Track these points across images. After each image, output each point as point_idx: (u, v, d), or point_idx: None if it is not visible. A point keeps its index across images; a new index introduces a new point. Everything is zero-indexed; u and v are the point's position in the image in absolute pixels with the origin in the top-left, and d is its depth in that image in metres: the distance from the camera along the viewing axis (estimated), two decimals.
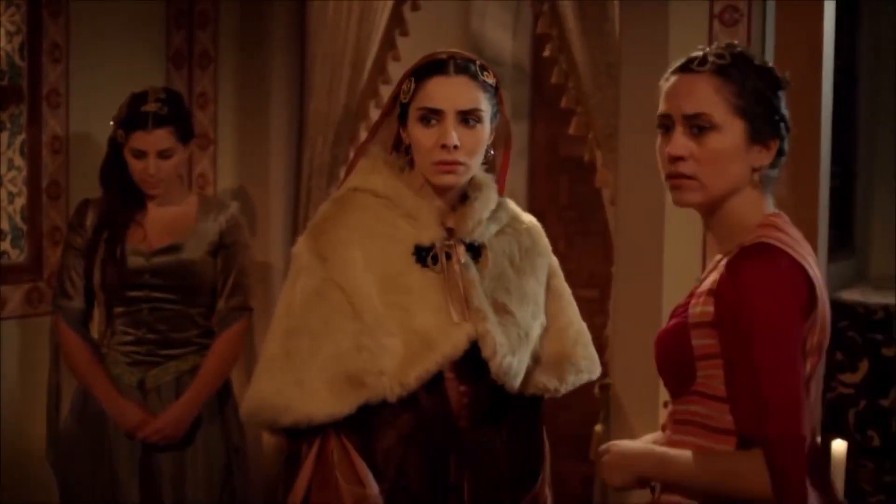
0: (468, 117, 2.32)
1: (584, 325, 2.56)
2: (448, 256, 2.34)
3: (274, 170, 4.14)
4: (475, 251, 2.40)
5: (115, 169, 3.39)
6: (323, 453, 2.30)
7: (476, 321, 2.31)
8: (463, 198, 2.42)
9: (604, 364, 3.63)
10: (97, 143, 3.65)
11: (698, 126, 2.01)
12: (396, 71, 3.95)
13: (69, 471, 3.44)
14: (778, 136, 2.06)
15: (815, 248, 3.21)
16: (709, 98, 2.01)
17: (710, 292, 1.98)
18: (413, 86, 2.35)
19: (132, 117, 3.33)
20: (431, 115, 2.32)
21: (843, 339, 3.91)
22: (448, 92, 2.31)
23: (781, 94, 2.06)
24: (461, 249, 2.36)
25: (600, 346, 3.76)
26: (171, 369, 3.42)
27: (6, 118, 3.68)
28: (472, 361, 2.32)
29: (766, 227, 2.02)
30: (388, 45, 4.02)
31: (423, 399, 2.33)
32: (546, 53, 3.76)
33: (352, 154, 3.17)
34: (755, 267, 1.93)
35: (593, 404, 3.86)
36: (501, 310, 2.37)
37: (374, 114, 4.06)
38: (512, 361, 2.34)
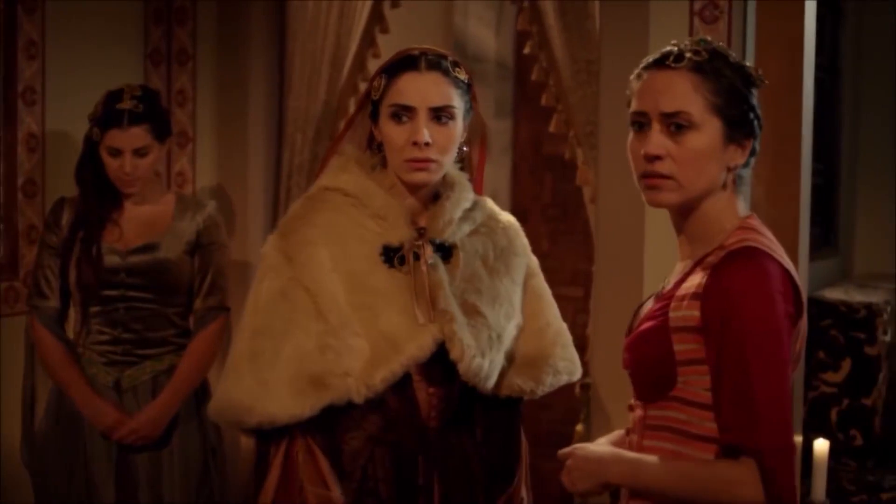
0: (440, 114, 2.29)
1: (563, 326, 2.53)
2: (416, 257, 2.31)
3: (253, 168, 4.11)
4: (446, 251, 2.37)
5: (90, 167, 3.35)
6: (289, 455, 2.28)
7: (442, 322, 2.29)
8: (436, 196, 2.39)
9: (584, 363, 3.62)
10: (74, 141, 3.61)
11: (676, 124, 1.94)
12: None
13: (44, 472, 3.40)
14: (753, 135, 2.00)
15: (796, 246, 3.26)
16: (687, 96, 1.94)
17: (695, 296, 1.92)
18: (384, 82, 2.33)
19: (107, 115, 3.29)
20: (403, 112, 2.29)
21: (825, 338, 3.89)
22: (419, 88, 2.29)
23: (755, 92, 2.01)
24: (429, 249, 2.33)
25: (582, 345, 3.75)
26: (147, 369, 3.39)
27: None
28: (442, 363, 2.30)
29: (747, 230, 1.97)
30: (368, 41, 4.00)
31: (390, 400, 2.31)
32: (526, 50, 3.73)
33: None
34: (744, 272, 1.88)
35: (575, 404, 3.84)
36: (472, 311, 2.34)
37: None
38: (482, 363, 2.31)
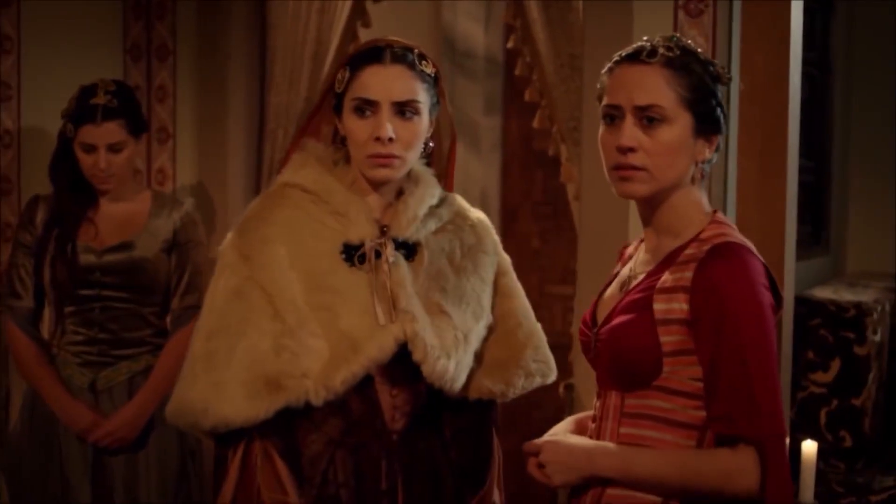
0: (404, 109, 2.24)
1: (536, 327, 2.47)
2: (378, 255, 2.26)
3: (233, 164, 4.06)
4: (409, 249, 2.31)
5: (65, 164, 3.31)
6: (246, 459, 2.23)
7: (404, 323, 2.23)
8: (400, 193, 2.34)
9: (569, 363, 3.57)
10: (51, 137, 3.54)
11: (649, 117, 2.00)
12: None
13: (18, 474, 3.37)
14: (719, 130, 2.06)
15: (782, 244, 3.22)
16: (660, 90, 2.00)
17: (682, 289, 1.97)
18: (348, 75, 2.27)
19: (81, 110, 3.26)
20: (366, 106, 2.24)
21: (814, 338, 3.83)
22: (383, 82, 2.23)
23: (721, 89, 2.06)
24: (391, 247, 2.27)
25: (567, 344, 3.70)
26: (123, 370, 3.34)
27: None
28: (405, 364, 2.25)
29: (720, 224, 2.05)
30: (350, 36, 3.94)
31: (352, 403, 2.26)
32: (510, 45, 3.68)
33: None
34: (733, 267, 1.95)
35: (562, 404, 3.78)
36: (436, 310, 2.28)
37: None
38: (448, 364, 2.25)
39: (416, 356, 2.23)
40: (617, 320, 2.05)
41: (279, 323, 2.21)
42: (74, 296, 3.29)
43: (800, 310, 3.61)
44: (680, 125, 2.01)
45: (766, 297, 1.97)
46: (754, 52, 3.21)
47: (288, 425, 2.23)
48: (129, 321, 3.33)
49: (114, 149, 3.26)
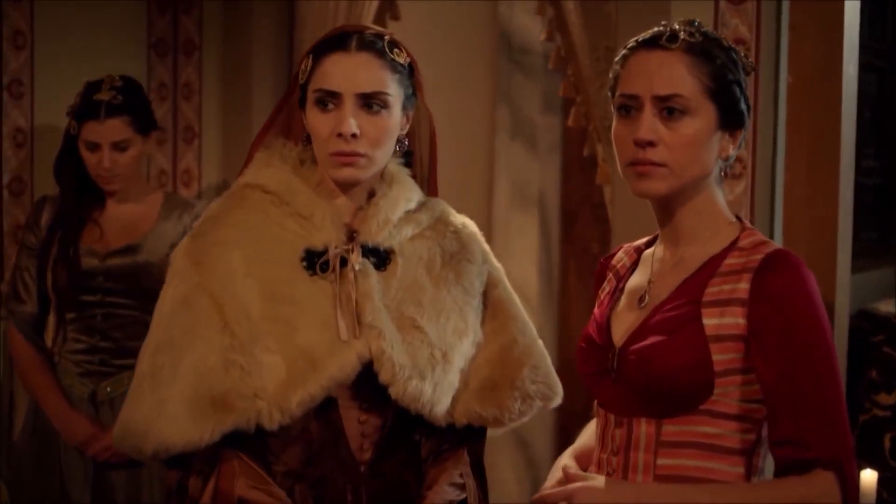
0: (371, 101, 2.03)
1: (537, 343, 2.23)
2: (343, 262, 2.04)
3: None
4: (381, 257, 2.10)
5: (70, 163, 3.19)
6: (219, 489, 2.00)
7: (369, 339, 2.01)
8: (372, 196, 2.13)
9: None
10: None
11: (669, 108, 1.85)
12: None
13: (20, 485, 3.24)
14: (742, 124, 1.92)
15: (834, 252, 2.95)
16: (682, 78, 1.85)
17: (738, 302, 1.83)
18: (310, 64, 2.06)
19: (84, 107, 3.13)
20: (328, 99, 2.03)
21: (877, 356, 3.52)
22: (347, 71, 2.02)
23: (745, 78, 1.92)
24: (357, 254, 2.05)
25: None
26: (125, 381, 3.15)
27: None
28: (375, 386, 2.02)
29: (753, 231, 1.92)
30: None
31: (313, 429, 2.04)
32: (542, 37, 3.45)
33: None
34: (795, 278, 1.82)
35: None
36: (409, 325, 2.07)
37: None
38: (421, 386, 2.03)
39: (383, 377, 2.01)
40: (652, 339, 1.87)
41: (228, 336, 2.00)
42: (76, 301, 3.16)
43: (862, 325, 3.33)
44: (703, 117, 1.86)
45: (825, 309, 1.84)
46: (803, 42, 2.95)
47: (260, 444, 2.02)
48: (132, 329, 3.15)
49: (118, 147, 3.13)
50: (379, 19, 3.75)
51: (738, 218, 1.95)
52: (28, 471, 3.22)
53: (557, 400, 2.22)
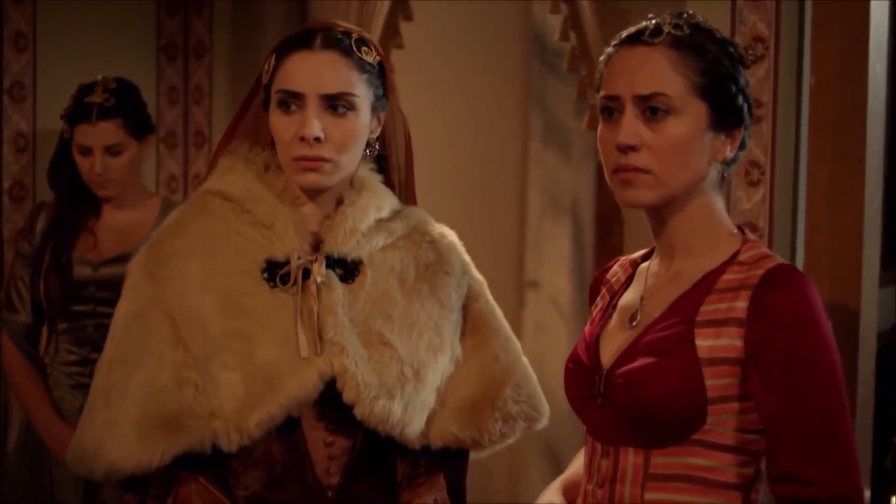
0: (336, 103, 1.92)
1: (521, 361, 2.11)
2: (307, 274, 1.93)
3: None
4: (348, 268, 1.98)
5: (63, 168, 3.11)
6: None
7: (331, 355, 1.90)
8: (340, 203, 2.02)
9: None
10: None
11: (652, 108, 1.71)
12: (399, 60, 3.58)
13: (11, 500, 3.17)
14: (742, 123, 1.77)
15: (859, 265, 2.78)
16: (665, 75, 1.72)
17: (736, 321, 1.69)
18: (273, 63, 1.96)
19: (76, 109, 3.06)
20: (290, 100, 1.92)
21: None
22: (310, 71, 1.92)
23: (744, 73, 1.78)
24: (321, 265, 1.94)
25: None
26: None
27: None
28: (341, 406, 1.91)
29: (757, 244, 1.77)
30: (392, 31, 3.65)
31: (275, 451, 1.93)
32: (556, 37, 3.33)
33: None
34: (798, 296, 1.68)
35: None
36: (376, 341, 1.96)
37: None
38: (389, 406, 1.92)
39: (347, 396, 1.91)
40: (641, 361, 1.73)
41: (181, 351, 1.91)
42: (67, 311, 3.08)
43: (888, 349, 3.13)
44: (691, 117, 1.72)
45: (831, 331, 1.70)
46: (826, 41, 2.79)
47: (221, 466, 1.93)
48: None
49: (111, 151, 3.05)
50: (391, 20, 3.63)
51: (741, 229, 1.81)
52: (19, 485, 3.16)
53: (543, 421, 2.11)
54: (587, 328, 1.90)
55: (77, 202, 3.11)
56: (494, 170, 4.02)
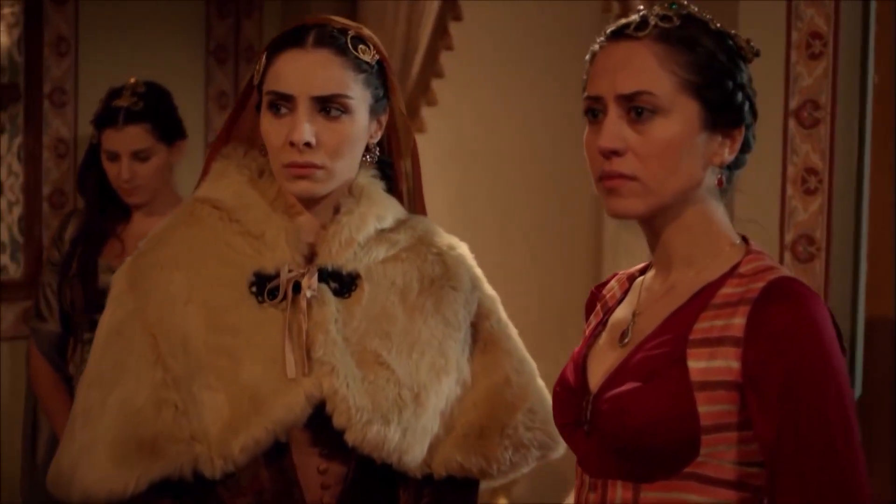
0: (329, 106, 1.80)
1: (536, 384, 1.97)
2: (297, 288, 1.81)
3: None
4: (343, 282, 1.86)
5: (92, 174, 3.07)
6: None
7: (320, 376, 1.78)
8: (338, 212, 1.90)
9: None
10: None
11: (637, 109, 1.58)
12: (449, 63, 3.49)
13: None
14: (742, 123, 1.62)
15: (891, 273, 2.60)
16: (651, 72, 1.58)
17: (732, 341, 1.55)
18: (265, 62, 1.84)
19: (104, 113, 3.01)
20: (280, 102, 1.80)
21: None
22: (301, 71, 1.80)
23: (745, 67, 1.63)
24: (312, 279, 1.81)
25: None
26: None
27: (6, 119, 3.46)
28: (332, 429, 1.80)
29: (760, 254, 1.63)
30: (441, 32, 3.59)
31: (263, 478, 1.82)
32: None
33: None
34: (801, 311, 1.54)
35: None
36: (372, 361, 1.84)
37: (425, 113, 3.56)
38: (384, 431, 1.80)
39: (337, 420, 1.79)
40: (628, 385, 1.60)
41: (161, 370, 1.80)
42: (92, 321, 2.99)
43: None
44: (680, 117, 1.58)
45: (839, 350, 1.56)
46: (893, 37, 2.63)
47: (207, 494, 1.82)
48: None
49: (139, 157, 2.99)
50: (440, 21, 3.54)
51: (745, 239, 1.66)
52: (49, 495, 3.11)
53: (560, 450, 1.95)
54: (578, 348, 1.75)
55: (106, 209, 3.06)
56: (569, 179, 3.87)
